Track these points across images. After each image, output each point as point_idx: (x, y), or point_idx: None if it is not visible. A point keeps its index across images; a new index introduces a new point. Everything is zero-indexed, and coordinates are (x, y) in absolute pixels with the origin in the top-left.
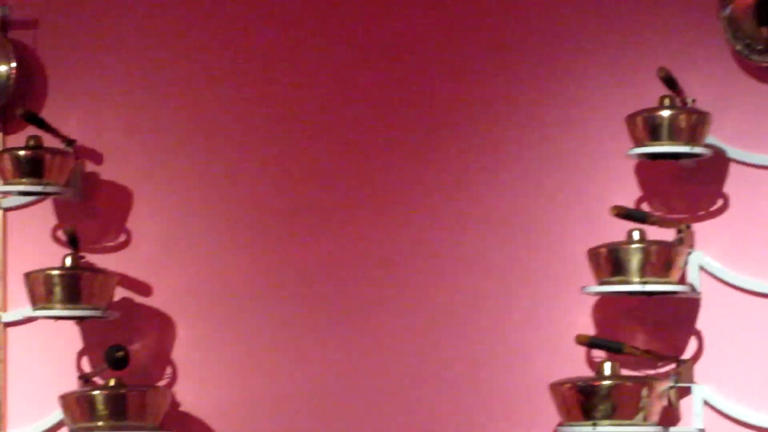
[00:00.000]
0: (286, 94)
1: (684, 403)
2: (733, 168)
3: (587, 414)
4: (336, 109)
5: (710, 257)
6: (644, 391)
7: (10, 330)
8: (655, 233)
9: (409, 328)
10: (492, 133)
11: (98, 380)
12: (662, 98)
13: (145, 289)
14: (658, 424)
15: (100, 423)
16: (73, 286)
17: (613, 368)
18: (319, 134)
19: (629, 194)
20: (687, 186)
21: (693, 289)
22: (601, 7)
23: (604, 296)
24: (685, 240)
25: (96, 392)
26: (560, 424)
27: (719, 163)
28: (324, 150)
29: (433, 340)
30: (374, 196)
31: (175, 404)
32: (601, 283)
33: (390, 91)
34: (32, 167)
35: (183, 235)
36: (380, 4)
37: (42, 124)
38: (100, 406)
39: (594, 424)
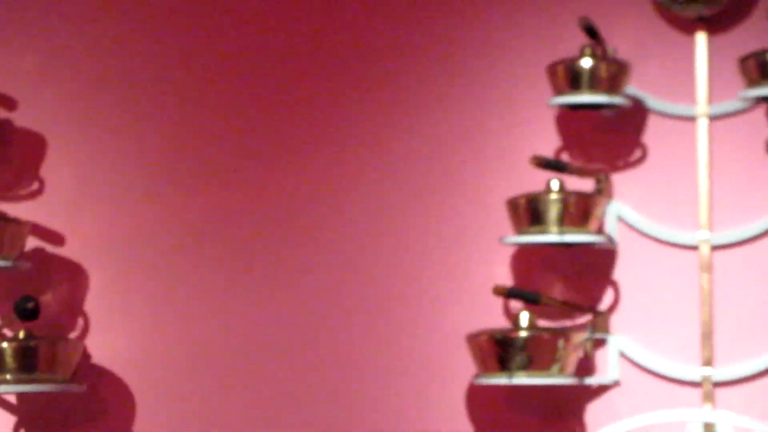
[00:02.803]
0: (207, 44)
1: (600, 354)
2: (652, 118)
3: (503, 365)
4: (257, 60)
5: (628, 207)
6: (560, 342)
7: None
8: (574, 183)
9: (325, 279)
10: (410, 81)
11: (7, 332)
12: (583, 48)
13: (57, 239)
14: (574, 375)
15: (8, 376)
16: None
17: (530, 319)
18: (237, 83)
19: (549, 144)
20: (606, 136)
21: (611, 239)
22: None
23: (523, 247)
24: (603, 190)
25: (4, 344)
26: (476, 375)
27: (639, 113)
28: (242, 100)
29: (349, 291)
30: (292, 147)
31: (86, 356)
32: (520, 234)
33: (320, 39)
34: None
35: (97, 183)
36: None
37: None
38: (9, 358)
39: (510, 375)
